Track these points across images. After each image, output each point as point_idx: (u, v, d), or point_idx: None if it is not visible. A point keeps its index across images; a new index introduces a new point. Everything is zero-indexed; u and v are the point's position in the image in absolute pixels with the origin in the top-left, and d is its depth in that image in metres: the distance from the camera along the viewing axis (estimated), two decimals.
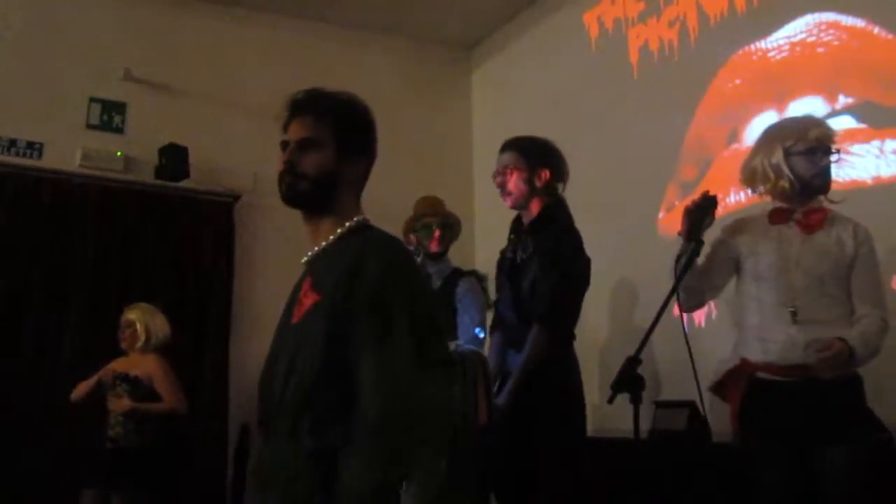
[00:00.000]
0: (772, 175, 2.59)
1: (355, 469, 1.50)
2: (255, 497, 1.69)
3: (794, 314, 2.48)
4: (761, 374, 2.54)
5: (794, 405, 2.46)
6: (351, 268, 1.63)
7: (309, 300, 1.68)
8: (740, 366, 2.61)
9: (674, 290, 2.41)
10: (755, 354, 2.57)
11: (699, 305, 2.83)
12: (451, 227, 3.73)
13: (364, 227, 1.76)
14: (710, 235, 2.66)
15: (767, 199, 2.69)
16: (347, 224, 1.74)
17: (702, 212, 2.52)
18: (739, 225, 2.74)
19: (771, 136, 2.67)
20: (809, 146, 2.57)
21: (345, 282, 1.62)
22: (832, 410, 2.43)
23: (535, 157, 3.11)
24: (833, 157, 2.60)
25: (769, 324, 2.54)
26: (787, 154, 2.57)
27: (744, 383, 2.57)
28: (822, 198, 2.63)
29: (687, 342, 2.41)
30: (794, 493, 2.47)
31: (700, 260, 2.58)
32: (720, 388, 2.68)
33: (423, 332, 1.59)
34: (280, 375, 1.66)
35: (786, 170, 2.56)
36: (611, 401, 2.22)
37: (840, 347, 2.37)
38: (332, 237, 1.74)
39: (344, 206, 1.76)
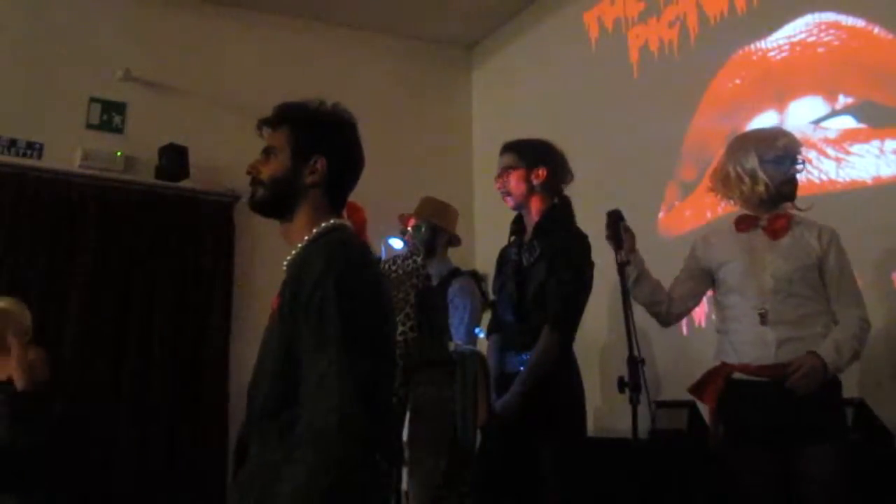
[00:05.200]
0: (747, 180, 2.65)
1: (287, 478, 1.49)
2: None
3: (763, 316, 2.56)
4: (737, 375, 2.61)
5: (769, 405, 2.51)
6: (296, 276, 1.64)
7: (275, 308, 1.69)
8: (718, 367, 2.68)
9: (625, 295, 2.50)
10: (731, 357, 2.64)
11: (677, 316, 2.90)
12: (418, 229, 3.69)
13: (330, 231, 1.73)
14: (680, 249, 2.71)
15: (735, 207, 2.77)
16: (315, 230, 1.73)
17: (614, 228, 2.66)
18: (709, 238, 2.83)
19: (742, 143, 2.75)
20: (778, 154, 2.65)
21: (292, 290, 1.62)
22: (808, 410, 2.47)
23: (532, 156, 3.12)
24: (798, 167, 2.69)
25: (743, 328, 2.62)
26: (761, 160, 2.64)
27: (721, 383, 2.63)
28: (788, 204, 2.71)
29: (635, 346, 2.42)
30: (774, 495, 2.51)
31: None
32: (698, 389, 2.73)
33: (357, 337, 1.55)
34: (253, 386, 1.70)
35: (761, 174, 2.63)
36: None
37: (811, 365, 2.46)
38: (300, 244, 1.73)
39: (312, 208, 1.76)
